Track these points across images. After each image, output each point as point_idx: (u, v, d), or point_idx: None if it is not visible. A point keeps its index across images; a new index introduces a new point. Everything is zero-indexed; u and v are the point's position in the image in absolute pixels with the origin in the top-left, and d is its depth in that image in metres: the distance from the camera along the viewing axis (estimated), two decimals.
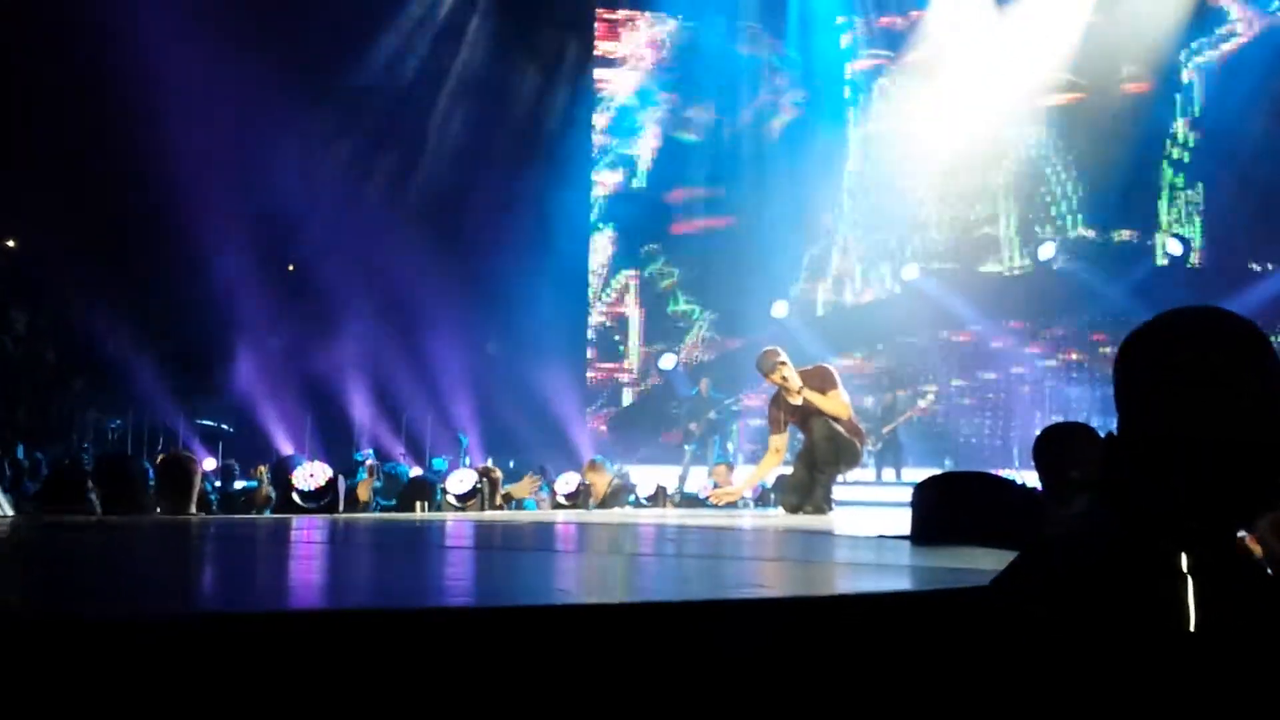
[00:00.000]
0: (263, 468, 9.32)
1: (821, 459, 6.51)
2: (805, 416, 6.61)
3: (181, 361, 13.14)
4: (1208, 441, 1.46)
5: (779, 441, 6.80)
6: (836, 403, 6.54)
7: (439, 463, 11.44)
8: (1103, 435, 1.60)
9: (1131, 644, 1.37)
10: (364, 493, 6.72)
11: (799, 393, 6.49)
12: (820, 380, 6.61)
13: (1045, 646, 1.40)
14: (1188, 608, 1.37)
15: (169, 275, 13.07)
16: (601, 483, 8.69)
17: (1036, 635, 1.41)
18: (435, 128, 15.34)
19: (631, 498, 9.15)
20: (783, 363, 6.56)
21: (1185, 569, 1.39)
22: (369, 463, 7.15)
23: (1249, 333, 1.50)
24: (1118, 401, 1.56)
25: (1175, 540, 1.42)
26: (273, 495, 7.60)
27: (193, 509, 5.26)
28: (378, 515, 6.28)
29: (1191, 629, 1.36)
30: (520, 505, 7.77)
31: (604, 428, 16.58)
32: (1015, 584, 1.50)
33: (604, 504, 8.45)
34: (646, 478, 9.47)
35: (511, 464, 13.57)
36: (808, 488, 6.52)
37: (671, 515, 7.09)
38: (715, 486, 9.34)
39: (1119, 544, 1.44)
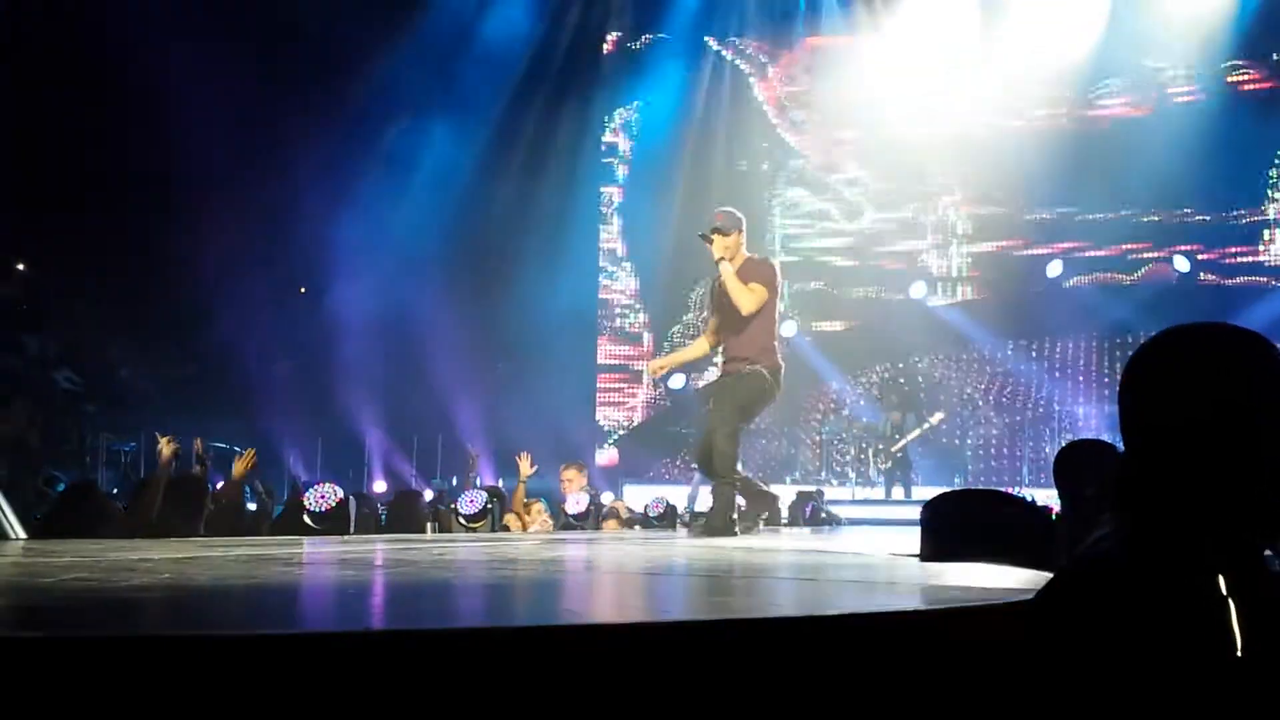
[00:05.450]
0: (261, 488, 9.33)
1: (721, 468, 5.61)
2: (710, 395, 5.90)
3: (194, 383, 13.19)
4: (1226, 457, 1.42)
5: (714, 326, 5.98)
6: (751, 297, 5.60)
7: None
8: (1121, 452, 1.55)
9: (1181, 672, 1.32)
10: None
11: (717, 262, 5.68)
12: (755, 271, 5.72)
13: (1092, 676, 1.35)
14: (1234, 632, 1.32)
15: (181, 298, 13.14)
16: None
17: (1081, 665, 1.36)
18: (447, 144, 15.34)
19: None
20: (720, 230, 5.64)
21: (1225, 592, 1.34)
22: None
23: (1257, 345, 1.47)
24: (1126, 420, 1.51)
25: (1210, 563, 1.37)
26: (270, 515, 7.64)
27: (201, 528, 5.30)
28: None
29: (1239, 653, 1.31)
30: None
31: (614, 448, 16.56)
32: (1054, 614, 1.44)
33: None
34: (656, 498, 9.44)
35: None
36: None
37: (681, 535, 7.08)
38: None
39: (1154, 570, 1.38)
